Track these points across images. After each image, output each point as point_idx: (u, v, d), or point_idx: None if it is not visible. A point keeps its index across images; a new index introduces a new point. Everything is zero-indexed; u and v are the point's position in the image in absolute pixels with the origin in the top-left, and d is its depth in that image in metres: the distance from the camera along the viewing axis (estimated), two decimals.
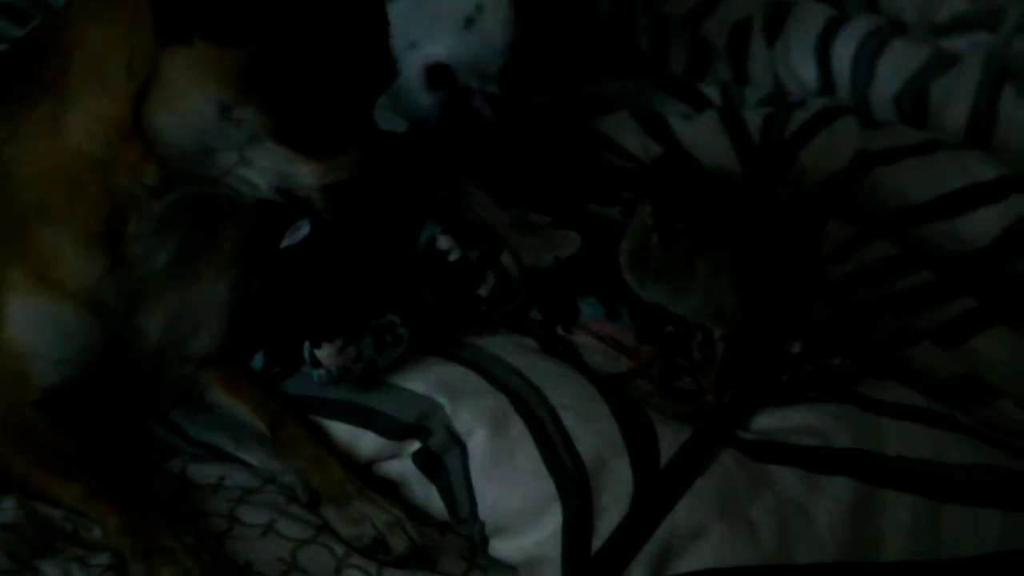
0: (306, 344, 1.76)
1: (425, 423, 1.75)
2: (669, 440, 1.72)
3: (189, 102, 1.59)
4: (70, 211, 1.68)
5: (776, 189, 2.22)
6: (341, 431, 1.78)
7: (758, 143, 2.38)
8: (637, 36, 2.72)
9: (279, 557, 1.64)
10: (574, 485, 1.68)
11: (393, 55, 1.69)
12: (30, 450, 1.69)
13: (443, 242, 1.85)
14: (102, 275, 1.71)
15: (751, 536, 1.67)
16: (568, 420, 1.72)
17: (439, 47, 2.22)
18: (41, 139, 1.68)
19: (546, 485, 1.69)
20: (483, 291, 1.84)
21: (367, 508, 1.69)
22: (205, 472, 1.77)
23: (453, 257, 1.84)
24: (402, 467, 1.76)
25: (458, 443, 1.73)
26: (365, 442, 1.77)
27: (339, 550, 1.66)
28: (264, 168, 1.63)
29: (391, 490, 1.76)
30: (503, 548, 1.71)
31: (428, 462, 1.75)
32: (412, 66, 2.22)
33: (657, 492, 1.68)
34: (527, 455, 1.71)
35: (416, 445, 1.76)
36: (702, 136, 2.38)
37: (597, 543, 1.66)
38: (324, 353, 1.75)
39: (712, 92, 2.62)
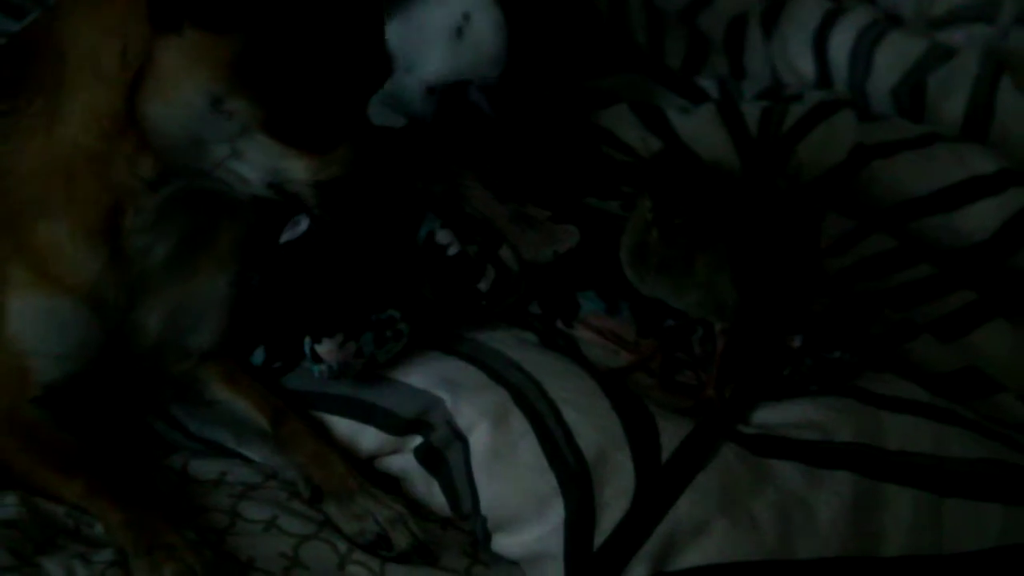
0: (307, 339, 1.76)
1: (426, 418, 1.75)
2: (670, 435, 1.72)
3: (181, 92, 1.58)
4: (68, 205, 1.68)
5: (774, 183, 2.22)
6: (342, 426, 1.78)
7: (756, 136, 2.38)
8: (634, 30, 2.72)
9: (281, 553, 1.64)
10: (576, 480, 1.68)
11: (389, 51, 1.69)
12: (31, 447, 1.69)
13: (442, 236, 1.84)
14: (101, 270, 1.70)
15: (753, 531, 1.68)
16: (569, 415, 1.72)
17: (434, 65, 2.21)
18: (38, 133, 1.67)
19: (548, 480, 1.69)
20: (483, 285, 1.84)
21: (369, 504, 1.69)
22: (206, 468, 1.77)
23: (452, 251, 1.84)
24: (404, 462, 1.76)
25: (459, 438, 1.73)
26: (366, 437, 1.77)
27: (341, 546, 1.66)
28: (256, 162, 1.62)
29: (393, 486, 1.76)
30: (505, 543, 1.71)
31: (430, 457, 1.75)
32: (413, 89, 2.22)
33: (659, 487, 1.68)
34: (528, 450, 1.71)
35: (417, 440, 1.75)
36: (700, 130, 2.37)
37: (599, 538, 1.66)
38: (325, 348, 1.75)
39: (709, 86, 2.61)
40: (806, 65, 2.67)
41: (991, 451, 1.79)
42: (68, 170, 1.67)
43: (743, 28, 2.74)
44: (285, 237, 1.85)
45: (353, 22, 1.61)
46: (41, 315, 1.71)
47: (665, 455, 1.70)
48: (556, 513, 1.67)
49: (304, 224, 1.84)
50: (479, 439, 1.72)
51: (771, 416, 1.80)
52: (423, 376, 1.78)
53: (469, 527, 1.74)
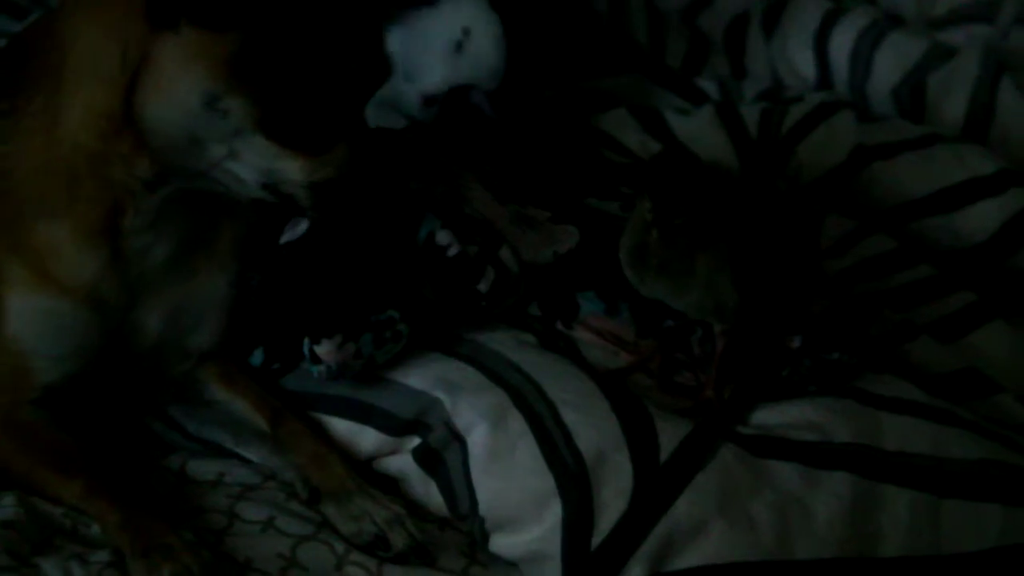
0: (305, 340, 1.76)
1: (425, 419, 1.75)
2: (669, 435, 1.72)
3: (177, 91, 1.58)
4: (68, 205, 1.68)
5: (774, 184, 2.22)
6: (341, 427, 1.78)
7: (756, 138, 2.38)
8: (635, 30, 2.73)
9: (279, 554, 1.64)
10: (574, 481, 1.68)
11: (386, 54, 1.68)
12: (30, 447, 1.69)
13: (442, 237, 1.84)
14: (101, 270, 1.70)
15: (751, 532, 1.67)
16: (568, 415, 1.72)
17: (433, 76, 2.22)
18: (38, 133, 1.67)
19: (546, 481, 1.69)
20: (482, 286, 1.84)
21: (367, 504, 1.69)
22: (204, 468, 1.77)
23: (452, 252, 1.84)
24: (402, 463, 1.76)
25: (458, 439, 1.73)
26: (365, 438, 1.77)
27: (339, 547, 1.66)
28: (251, 162, 1.62)
29: (391, 486, 1.76)
30: (503, 544, 1.71)
31: (428, 458, 1.75)
32: (412, 99, 2.23)
33: (657, 488, 1.68)
34: (527, 451, 1.71)
35: (416, 441, 1.75)
36: (699, 131, 2.38)
37: (597, 539, 1.66)
38: (323, 349, 1.75)
39: (709, 86, 2.62)
40: (806, 66, 2.68)
41: (990, 452, 1.79)
42: (68, 170, 1.66)
43: (744, 28, 2.74)
44: (285, 238, 1.85)
45: (350, 23, 1.61)
46: (41, 315, 1.71)
47: (664, 456, 1.70)
48: (554, 514, 1.67)
49: (304, 225, 1.84)
50: (477, 440, 1.72)
51: (770, 417, 1.80)
52: (422, 377, 1.78)
53: (467, 528, 1.74)
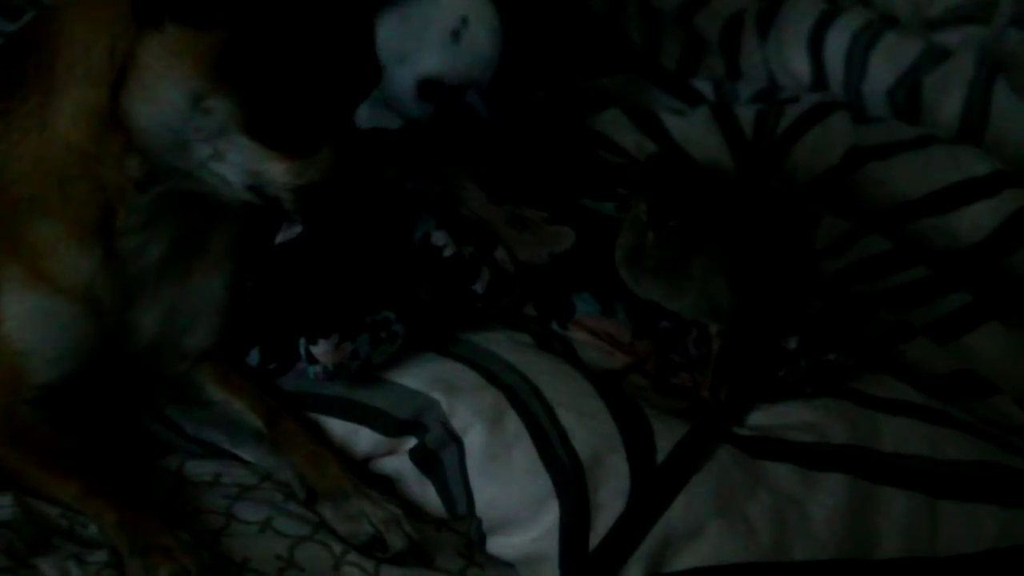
0: (302, 340, 1.76)
1: (421, 419, 1.75)
2: (665, 436, 1.72)
3: (162, 89, 1.58)
4: (62, 205, 1.68)
5: (769, 185, 2.22)
6: (337, 427, 1.78)
7: (751, 139, 2.38)
8: (630, 30, 2.73)
9: (276, 554, 1.64)
10: (571, 482, 1.68)
11: (379, 59, 1.67)
12: (27, 447, 1.69)
13: (438, 238, 1.84)
14: (96, 270, 1.70)
15: (748, 533, 1.67)
16: (564, 416, 1.72)
17: (428, 62, 2.22)
18: (32, 132, 1.67)
19: (543, 482, 1.69)
20: (478, 287, 1.84)
21: (364, 505, 1.69)
22: (201, 469, 1.77)
23: (448, 253, 1.84)
24: (399, 464, 1.76)
25: (454, 439, 1.73)
26: (361, 438, 1.77)
27: (336, 547, 1.66)
28: (235, 163, 1.61)
29: (388, 487, 1.76)
30: (500, 545, 1.71)
31: (424, 459, 1.75)
32: (403, 80, 2.23)
33: (654, 489, 1.68)
34: (524, 452, 1.71)
35: (412, 442, 1.75)
36: (695, 132, 2.38)
37: (594, 540, 1.66)
38: (320, 349, 1.75)
39: (705, 87, 2.62)
40: (801, 66, 2.68)
41: (986, 453, 1.79)
42: (62, 169, 1.66)
43: (739, 29, 2.75)
44: (281, 238, 1.85)
45: (339, 26, 1.60)
46: (36, 315, 1.71)
47: (660, 457, 1.70)
48: (551, 515, 1.67)
49: (300, 225, 1.84)
50: (474, 441, 1.72)
51: (766, 418, 1.80)
52: (418, 377, 1.78)
53: (464, 528, 1.74)
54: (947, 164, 2.33)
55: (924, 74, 2.58)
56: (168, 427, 1.81)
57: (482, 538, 1.71)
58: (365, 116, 2.15)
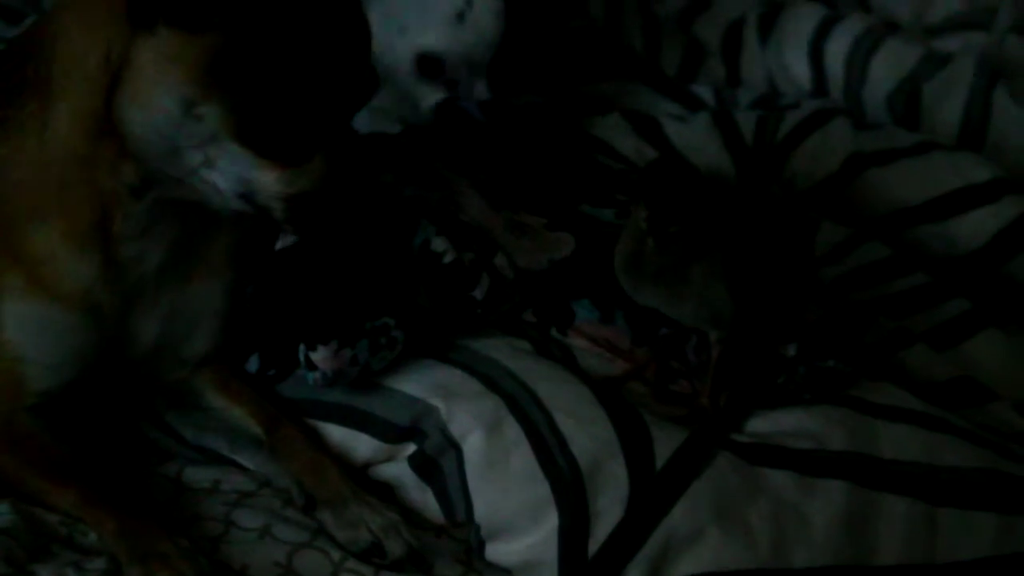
0: (301, 346, 1.76)
1: (420, 426, 1.75)
2: (664, 443, 1.72)
3: (153, 94, 1.57)
4: (61, 211, 1.67)
5: (769, 191, 2.22)
6: (336, 434, 1.78)
7: (751, 145, 2.38)
8: (630, 36, 2.73)
9: (275, 561, 1.63)
10: (570, 488, 1.68)
11: (375, 70, 1.67)
12: (26, 455, 1.69)
13: (438, 244, 1.84)
14: (94, 277, 1.70)
15: (747, 539, 1.68)
16: (563, 423, 1.72)
17: (429, 38, 2.23)
18: (30, 138, 1.66)
19: (542, 488, 1.69)
20: (478, 293, 1.84)
21: (363, 512, 1.69)
22: (200, 476, 1.77)
23: (448, 259, 1.84)
24: (398, 470, 1.76)
25: (453, 446, 1.73)
26: (360, 445, 1.77)
27: (335, 554, 1.66)
28: (227, 171, 1.60)
29: (387, 493, 1.76)
30: (499, 551, 1.71)
31: (424, 465, 1.75)
32: (402, 52, 2.24)
33: (653, 495, 1.68)
34: (522, 458, 1.71)
35: (411, 448, 1.75)
36: (695, 139, 2.38)
37: (593, 547, 1.66)
38: (319, 356, 1.75)
39: (705, 93, 2.62)
40: (802, 72, 2.68)
41: (985, 460, 1.79)
42: (60, 175, 1.66)
43: (739, 35, 2.74)
44: (280, 244, 1.85)
45: (334, 35, 1.59)
46: (35, 322, 1.70)
47: (659, 463, 1.71)
48: (550, 521, 1.67)
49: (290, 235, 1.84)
50: (473, 447, 1.72)
51: (765, 425, 1.80)
52: (417, 384, 1.78)
53: (463, 535, 1.73)
54: (947, 170, 2.33)
55: (924, 80, 2.58)
56: (167, 433, 1.81)
57: (481, 544, 1.71)
58: (365, 121, 2.15)
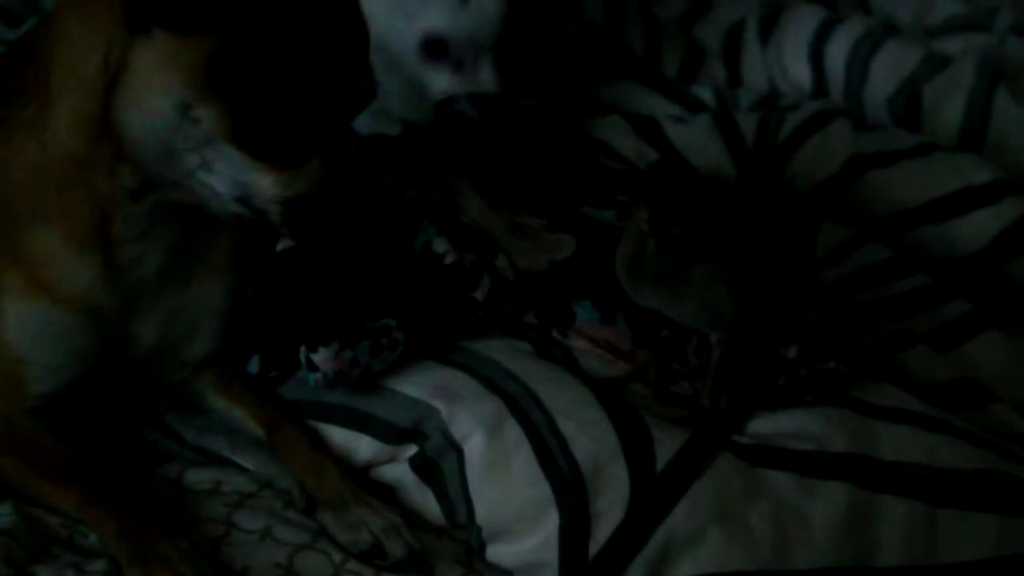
0: (302, 348, 1.76)
1: (421, 427, 1.75)
2: (665, 445, 1.72)
3: (149, 96, 1.56)
4: (60, 213, 1.67)
5: (770, 193, 2.22)
6: (337, 435, 1.78)
7: (752, 147, 2.38)
8: (631, 38, 2.73)
9: (276, 563, 1.63)
10: (570, 490, 1.68)
11: (374, 75, 1.66)
12: (27, 456, 1.69)
13: (439, 245, 1.84)
14: (94, 279, 1.69)
15: (748, 541, 1.68)
16: (564, 425, 1.72)
17: (435, 20, 2.25)
18: (30, 140, 1.66)
19: (543, 490, 1.69)
20: (479, 294, 1.84)
21: (364, 513, 1.69)
22: (201, 477, 1.77)
23: (449, 260, 1.84)
24: (399, 471, 1.76)
25: (454, 447, 1.73)
26: (361, 446, 1.77)
27: (336, 555, 1.66)
28: (223, 174, 1.60)
29: (388, 495, 1.76)
30: (500, 553, 1.71)
31: (424, 467, 1.75)
32: (408, 35, 2.25)
33: (654, 497, 1.68)
34: (523, 460, 1.71)
35: (413, 449, 1.75)
36: (696, 140, 2.38)
37: (594, 548, 1.66)
38: (320, 357, 1.75)
39: (705, 94, 2.62)
40: (802, 74, 2.68)
41: (986, 462, 1.79)
42: (59, 177, 1.66)
43: (740, 37, 2.74)
44: (281, 245, 1.85)
45: (331, 39, 1.59)
46: (36, 324, 1.70)
47: (660, 465, 1.70)
48: (551, 523, 1.67)
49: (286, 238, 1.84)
50: (474, 449, 1.72)
51: (766, 426, 1.80)
52: (418, 385, 1.78)
53: (464, 536, 1.73)
54: (947, 172, 2.32)
55: (925, 82, 2.58)
56: (168, 435, 1.81)
57: (482, 546, 1.71)
58: (365, 123, 2.15)
